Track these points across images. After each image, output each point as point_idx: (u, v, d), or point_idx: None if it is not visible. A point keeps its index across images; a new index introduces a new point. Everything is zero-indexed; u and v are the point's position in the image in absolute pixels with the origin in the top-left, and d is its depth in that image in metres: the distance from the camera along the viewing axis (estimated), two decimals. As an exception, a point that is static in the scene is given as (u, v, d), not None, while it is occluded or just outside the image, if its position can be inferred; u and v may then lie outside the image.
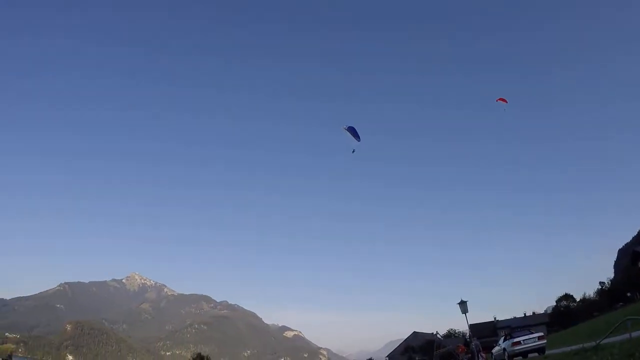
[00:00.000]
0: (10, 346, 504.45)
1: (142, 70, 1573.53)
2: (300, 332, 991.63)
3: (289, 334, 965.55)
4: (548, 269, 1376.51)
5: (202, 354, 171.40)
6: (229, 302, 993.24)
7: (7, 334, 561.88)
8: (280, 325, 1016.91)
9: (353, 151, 61.86)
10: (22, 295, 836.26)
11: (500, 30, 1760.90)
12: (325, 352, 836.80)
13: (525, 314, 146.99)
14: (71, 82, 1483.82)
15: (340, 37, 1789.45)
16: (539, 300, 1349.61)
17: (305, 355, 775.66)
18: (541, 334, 48.54)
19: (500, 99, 78.65)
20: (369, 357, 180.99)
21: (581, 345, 29.78)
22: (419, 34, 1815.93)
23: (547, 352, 44.29)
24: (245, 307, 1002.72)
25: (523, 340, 46.51)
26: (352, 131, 60.98)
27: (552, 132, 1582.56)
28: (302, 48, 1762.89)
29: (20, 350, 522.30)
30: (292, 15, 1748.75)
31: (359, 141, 61.60)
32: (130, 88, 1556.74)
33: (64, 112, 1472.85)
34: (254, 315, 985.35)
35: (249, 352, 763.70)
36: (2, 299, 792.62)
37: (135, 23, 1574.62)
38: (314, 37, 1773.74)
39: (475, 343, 62.68)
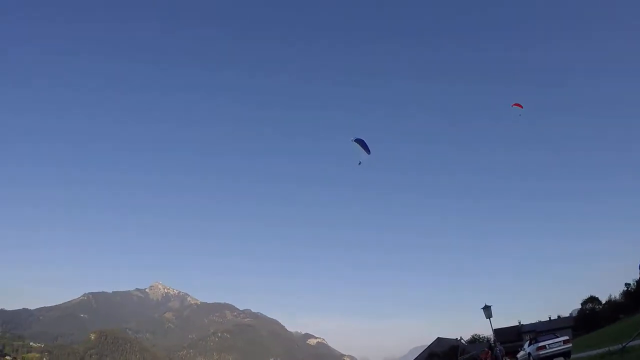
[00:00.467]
0: (35, 355, 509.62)
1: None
2: (324, 339, 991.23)
3: (313, 341, 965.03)
4: (573, 271, 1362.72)
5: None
6: (252, 311, 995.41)
7: (32, 343, 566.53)
8: (303, 332, 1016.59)
9: (359, 163, 61.62)
10: (46, 305, 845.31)
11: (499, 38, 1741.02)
12: (348, 359, 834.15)
13: (550, 317, 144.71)
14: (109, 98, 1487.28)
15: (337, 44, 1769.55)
16: (564, 304, 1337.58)
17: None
18: (566, 337, 47.30)
19: (515, 104, 78.25)
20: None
21: (607, 349, 28.70)
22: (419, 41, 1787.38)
23: (572, 355, 43.02)
24: (269, 315, 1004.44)
25: (548, 344, 45.50)
26: (362, 143, 60.60)
27: (572, 137, 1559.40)
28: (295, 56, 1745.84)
29: (45, 359, 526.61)
30: (293, 24, 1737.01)
31: (369, 154, 61.36)
32: (154, 101, 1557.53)
33: (91, 123, 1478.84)
34: (277, 323, 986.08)
35: (272, 359, 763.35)
36: (27, 309, 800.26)
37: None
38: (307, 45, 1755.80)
39: (499, 348, 61.38)
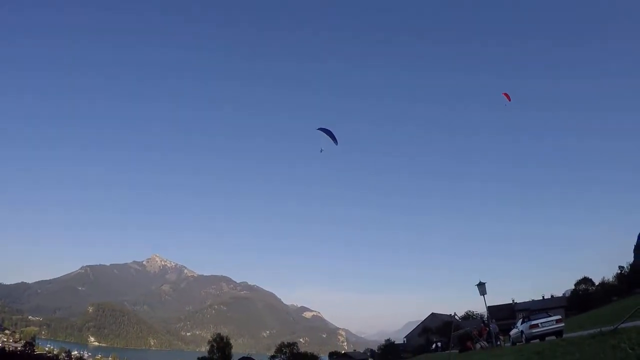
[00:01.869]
0: (33, 329, 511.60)
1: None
2: (319, 312, 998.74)
3: (308, 314, 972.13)
4: (567, 252, 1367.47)
5: (221, 334, 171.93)
6: (249, 283, 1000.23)
7: (30, 317, 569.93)
8: (299, 305, 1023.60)
9: (321, 150, 63.22)
10: (44, 279, 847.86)
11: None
12: (343, 333, 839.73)
13: (543, 296, 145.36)
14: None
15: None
16: (557, 284, 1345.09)
17: (324, 336, 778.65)
18: (559, 317, 47.49)
19: (505, 94, 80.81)
20: (387, 338, 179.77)
21: (599, 329, 28.59)
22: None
23: (564, 335, 43.01)
24: (265, 288, 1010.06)
25: (541, 323, 45.61)
26: (328, 133, 62.00)
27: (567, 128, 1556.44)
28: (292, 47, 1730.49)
29: (43, 332, 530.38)
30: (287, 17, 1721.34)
31: (336, 144, 63.01)
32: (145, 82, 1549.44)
33: (92, 104, 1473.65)
34: (273, 296, 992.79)
35: (268, 332, 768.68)
36: (25, 282, 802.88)
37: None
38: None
39: (493, 326, 61.66)
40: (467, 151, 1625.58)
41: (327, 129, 63.12)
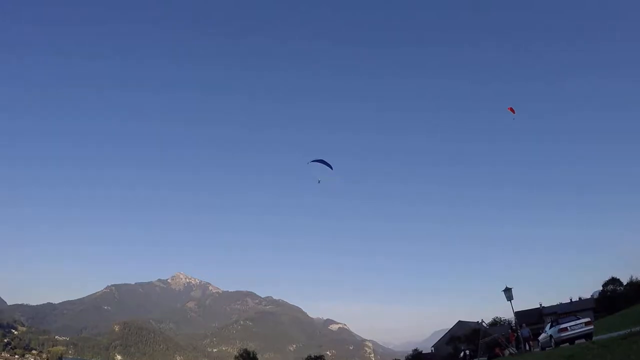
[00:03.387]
0: (60, 348, 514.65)
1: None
2: (346, 324, 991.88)
3: (334, 327, 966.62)
4: (594, 253, 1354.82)
5: (248, 349, 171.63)
6: (274, 298, 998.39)
7: (57, 337, 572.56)
8: (325, 318, 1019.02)
9: (319, 182, 63.52)
10: (70, 299, 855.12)
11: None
12: (370, 345, 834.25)
13: (571, 299, 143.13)
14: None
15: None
16: (585, 285, 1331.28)
17: (351, 348, 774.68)
18: (588, 319, 46.84)
19: (510, 109, 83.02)
20: (414, 348, 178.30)
21: (629, 330, 28.26)
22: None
23: (594, 337, 42.51)
24: (290, 302, 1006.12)
25: (570, 326, 45.09)
26: (322, 162, 62.43)
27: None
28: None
29: (70, 352, 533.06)
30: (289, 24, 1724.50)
31: (332, 169, 63.47)
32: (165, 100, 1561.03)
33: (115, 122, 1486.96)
34: (298, 309, 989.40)
35: (294, 346, 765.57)
36: (51, 303, 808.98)
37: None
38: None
39: (526, 330, 61.13)
40: (487, 157, 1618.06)
41: (318, 160, 63.14)
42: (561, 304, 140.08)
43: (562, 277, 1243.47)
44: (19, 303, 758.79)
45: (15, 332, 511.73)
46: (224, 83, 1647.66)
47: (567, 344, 44.76)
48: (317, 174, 63.50)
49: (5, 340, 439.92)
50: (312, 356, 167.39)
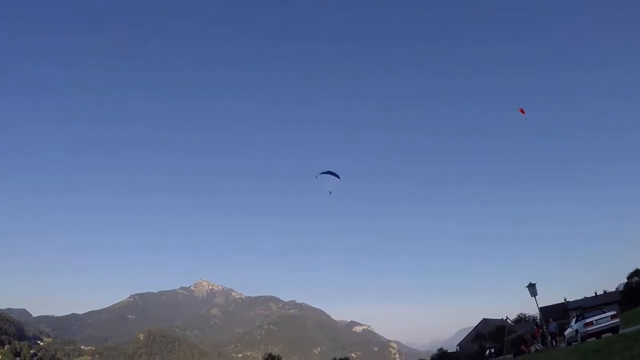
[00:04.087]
0: (86, 358, 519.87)
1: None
2: (369, 326, 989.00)
3: (358, 328, 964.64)
4: (618, 244, 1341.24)
5: (272, 354, 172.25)
6: (297, 301, 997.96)
7: (82, 346, 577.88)
8: (348, 320, 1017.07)
9: (330, 192, 63.91)
10: (94, 309, 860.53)
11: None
12: (395, 345, 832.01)
13: (596, 293, 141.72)
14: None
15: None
16: (609, 278, 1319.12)
17: (376, 349, 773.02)
18: (614, 312, 46.33)
19: (520, 110, 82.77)
20: (439, 347, 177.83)
21: (656, 322, 27.85)
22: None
23: (620, 331, 41.96)
24: (313, 305, 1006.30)
25: (596, 320, 44.62)
26: (329, 173, 63.17)
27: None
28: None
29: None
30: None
31: (339, 179, 63.97)
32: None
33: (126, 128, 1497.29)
34: (322, 312, 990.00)
35: (319, 349, 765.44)
36: (76, 314, 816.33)
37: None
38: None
39: (554, 325, 60.59)
40: (504, 154, 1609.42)
41: (326, 172, 63.80)
42: (586, 298, 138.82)
43: (586, 271, 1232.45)
44: (44, 315, 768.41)
45: (41, 344, 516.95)
46: (227, 87, 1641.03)
47: (594, 338, 44.28)
48: (327, 185, 63.85)
49: (32, 352, 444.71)
50: (337, 359, 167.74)
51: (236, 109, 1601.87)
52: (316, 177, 63.79)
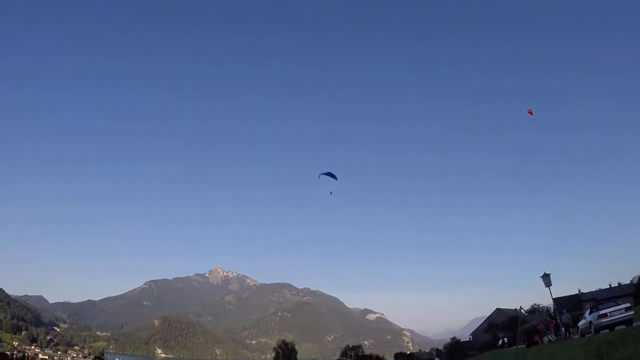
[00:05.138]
0: (101, 344, 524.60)
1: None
2: (383, 314, 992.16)
3: (372, 316, 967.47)
4: (633, 236, 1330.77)
5: (286, 340, 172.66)
6: (311, 289, 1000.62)
7: (98, 332, 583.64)
8: (362, 308, 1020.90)
9: (331, 193, 66.89)
10: (110, 296, 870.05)
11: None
12: (408, 333, 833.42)
13: (610, 285, 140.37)
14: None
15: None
16: (624, 270, 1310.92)
17: (389, 337, 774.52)
18: (628, 305, 45.68)
19: (529, 111, 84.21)
20: (452, 336, 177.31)
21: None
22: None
23: (634, 323, 41.54)
24: (327, 293, 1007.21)
25: (610, 312, 43.95)
26: (330, 175, 66.15)
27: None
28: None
29: (111, 347, 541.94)
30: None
31: (336, 180, 66.64)
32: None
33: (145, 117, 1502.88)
34: (336, 299, 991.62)
35: (332, 336, 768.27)
36: (92, 300, 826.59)
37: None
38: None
39: (566, 315, 60.15)
40: (519, 146, 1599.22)
41: (326, 173, 66.78)
42: (600, 289, 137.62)
43: (600, 263, 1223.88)
44: (61, 301, 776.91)
45: (58, 329, 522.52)
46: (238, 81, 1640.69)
47: (607, 330, 43.83)
48: (328, 185, 66.36)
49: (48, 337, 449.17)
50: (351, 346, 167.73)
51: (242, 100, 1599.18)
52: (318, 177, 66.54)
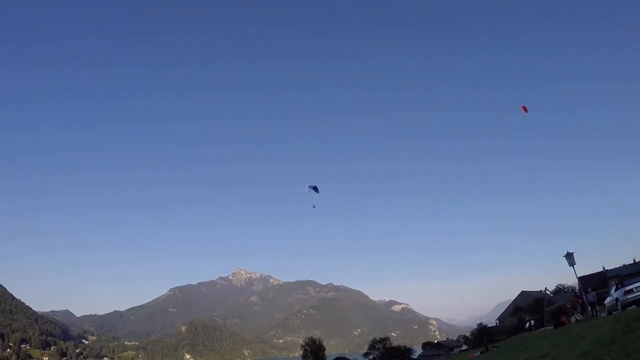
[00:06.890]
0: (130, 353, 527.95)
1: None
2: (408, 304, 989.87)
3: (397, 307, 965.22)
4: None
5: (313, 337, 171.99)
6: (335, 284, 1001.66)
7: (126, 342, 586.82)
8: (387, 300, 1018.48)
9: (314, 207, 69.87)
10: (136, 305, 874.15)
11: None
12: (434, 322, 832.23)
13: (634, 260, 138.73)
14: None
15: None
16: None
17: (415, 327, 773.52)
18: (655, 279, 44.94)
19: (522, 107, 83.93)
20: (479, 322, 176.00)
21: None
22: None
23: (662, 297, 40.73)
24: (351, 287, 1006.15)
25: (636, 287, 42.99)
26: (314, 189, 68.32)
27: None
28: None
29: (140, 355, 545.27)
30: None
31: (317, 193, 68.94)
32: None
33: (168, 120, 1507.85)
34: (360, 293, 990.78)
35: (359, 330, 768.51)
36: (118, 311, 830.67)
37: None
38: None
39: (592, 294, 59.48)
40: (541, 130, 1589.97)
41: (312, 186, 68.90)
42: (625, 265, 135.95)
43: (624, 238, 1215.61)
44: (87, 314, 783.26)
45: (86, 342, 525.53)
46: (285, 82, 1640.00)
47: (634, 305, 43.12)
48: (312, 200, 68.56)
49: (78, 351, 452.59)
50: (378, 338, 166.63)
51: (242, 100, 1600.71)
52: (307, 190, 68.63)
